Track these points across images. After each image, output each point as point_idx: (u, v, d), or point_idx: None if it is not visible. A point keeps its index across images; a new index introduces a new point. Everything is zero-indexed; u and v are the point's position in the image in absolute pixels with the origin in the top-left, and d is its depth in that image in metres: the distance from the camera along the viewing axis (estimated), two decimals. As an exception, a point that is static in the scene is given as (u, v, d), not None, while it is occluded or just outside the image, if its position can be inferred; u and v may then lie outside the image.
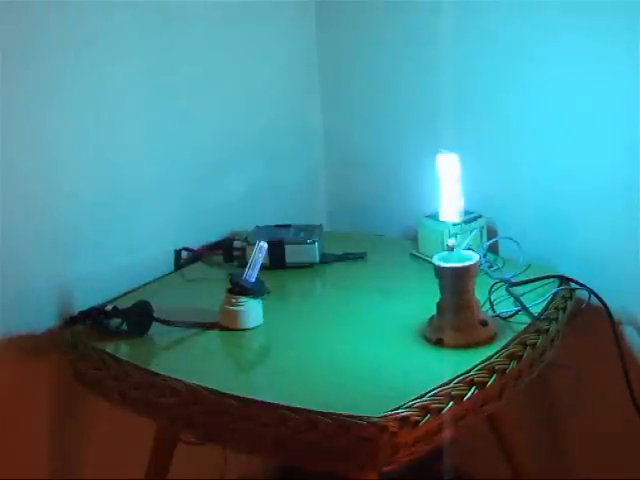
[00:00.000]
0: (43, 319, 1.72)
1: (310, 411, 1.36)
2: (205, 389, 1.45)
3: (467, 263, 1.55)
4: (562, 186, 1.83)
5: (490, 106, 1.89)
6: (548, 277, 1.72)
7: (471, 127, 1.90)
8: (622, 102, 1.71)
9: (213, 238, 1.97)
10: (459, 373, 1.44)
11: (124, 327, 1.64)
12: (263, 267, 1.68)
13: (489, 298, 1.64)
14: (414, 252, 1.92)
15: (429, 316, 1.59)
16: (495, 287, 1.67)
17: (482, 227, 1.87)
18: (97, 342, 1.62)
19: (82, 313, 1.68)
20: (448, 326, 1.55)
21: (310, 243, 1.89)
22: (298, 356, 1.56)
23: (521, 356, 1.51)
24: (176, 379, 1.48)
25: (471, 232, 1.83)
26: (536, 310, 1.63)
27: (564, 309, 1.66)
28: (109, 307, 1.67)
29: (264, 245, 1.67)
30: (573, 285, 1.72)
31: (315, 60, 2.12)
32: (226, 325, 1.65)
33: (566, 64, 1.77)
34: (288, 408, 1.37)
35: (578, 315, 1.71)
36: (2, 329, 1.67)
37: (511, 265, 1.78)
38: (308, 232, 1.92)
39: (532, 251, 1.79)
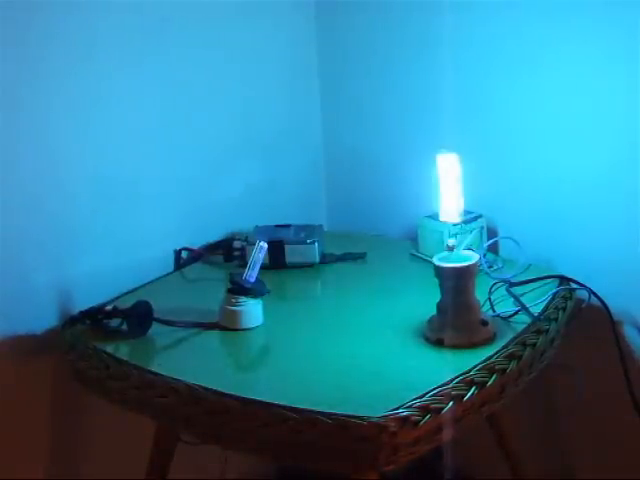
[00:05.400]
0: (43, 319, 1.72)
1: (310, 411, 1.36)
2: (205, 389, 1.44)
3: (467, 263, 1.55)
4: (562, 186, 1.83)
5: (490, 106, 1.89)
6: (548, 277, 1.72)
7: (471, 127, 1.90)
8: (622, 102, 1.71)
9: (213, 238, 1.97)
10: (459, 373, 1.44)
11: (124, 327, 1.64)
12: (263, 267, 1.68)
13: (489, 298, 1.64)
14: (414, 252, 1.92)
15: (429, 316, 1.59)
16: (495, 287, 1.67)
17: (482, 227, 1.87)
18: (97, 342, 1.62)
19: (82, 313, 1.68)
20: (448, 326, 1.55)
21: (310, 243, 1.88)
22: (298, 356, 1.56)
23: (521, 356, 1.51)
24: (176, 379, 1.48)
25: (471, 232, 1.83)
26: (536, 310, 1.63)
27: (564, 309, 1.66)
28: (109, 307, 1.67)
29: (264, 245, 1.67)
30: (573, 285, 1.72)
31: (315, 60, 2.12)
32: (226, 325, 1.65)
33: (566, 64, 1.77)
34: (288, 408, 1.37)
35: (578, 315, 1.71)
36: (2, 329, 1.67)
37: (511, 265, 1.78)
38: (308, 232, 1.91)
39: (532, 251, 1.79)
